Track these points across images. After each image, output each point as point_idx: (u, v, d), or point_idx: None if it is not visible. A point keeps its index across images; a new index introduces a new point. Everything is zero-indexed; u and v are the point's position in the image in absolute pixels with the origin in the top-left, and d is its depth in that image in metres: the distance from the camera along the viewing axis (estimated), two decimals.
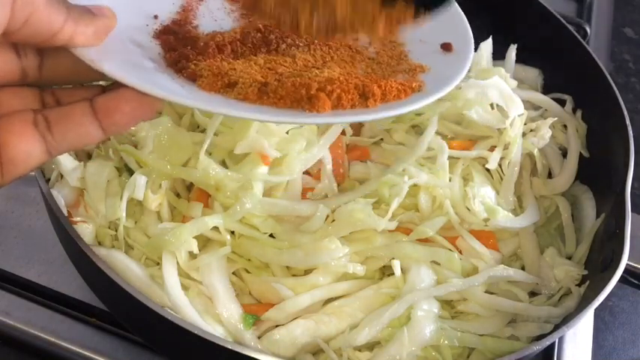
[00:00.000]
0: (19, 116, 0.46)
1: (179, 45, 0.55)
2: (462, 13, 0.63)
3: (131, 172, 0.76)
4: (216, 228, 0.73)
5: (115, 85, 0.47)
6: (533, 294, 0.80)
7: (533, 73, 1.01)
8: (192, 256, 0.73)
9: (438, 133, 0.84)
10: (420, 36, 0.61)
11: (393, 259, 0.75)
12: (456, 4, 0.63)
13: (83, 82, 0.51)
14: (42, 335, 0.80)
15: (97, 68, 0.47)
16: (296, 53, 0.56)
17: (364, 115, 0.52)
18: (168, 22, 0.58)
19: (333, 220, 0.75)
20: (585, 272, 0.79)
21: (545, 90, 1.00)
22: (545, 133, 0.89)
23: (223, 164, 0.77)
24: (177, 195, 0.79)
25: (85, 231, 0.73)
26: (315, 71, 0.53)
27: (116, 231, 0.75)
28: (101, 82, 0.51)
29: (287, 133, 0.78)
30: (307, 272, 0.74)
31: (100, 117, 0.46)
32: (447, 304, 0.76)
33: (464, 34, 0.62)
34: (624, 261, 0.72)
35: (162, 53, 0.54)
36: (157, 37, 0.56)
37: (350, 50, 0.59)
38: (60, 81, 0.50)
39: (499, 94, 0.86)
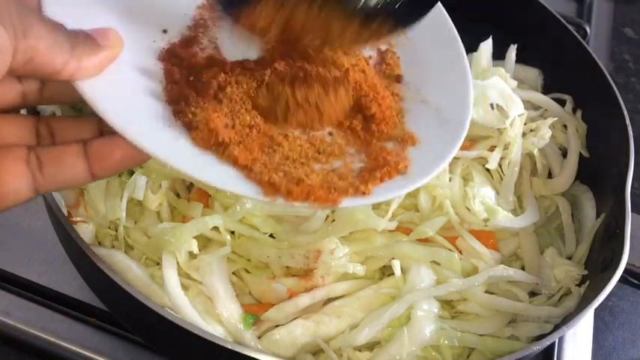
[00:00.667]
0: (13, 153, 0.46)
1: (182, 78, 0.54)
2: (471, 77, 0.62)
3: (131, 172, 0.76)
4: (216, 228, 0.73)
5: (110, 128, 0.47)
6: (533, 294, 0.80)
7: (533, 73, 1.01)
8: (192, 256, 0.73)
9: None
10: (422, 94, 0.61)
11: (393, 259, 0.75)
12: (468, 70, 0.62)
13: (81, 101, 0.51)
14: (42, 335, 0.80)
15: (95, 110, 0.46)
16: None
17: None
18: (177, 38, 0.57)
19: (333, 220, 0.75)
20: (585, 272, 0.79)
21: (545, 90, 1.00)
22: (545, 133, 0.89)
23: None
24: (177, 195, 0.79)
25: (85, 231, 0.74)
26: (306, 160, 0.53)
27: (116, 231, 0.75)
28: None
29: None
30: (307, 272, 0.74)
31: (91, 162, 0.47)
32: (447, 304, 0.76)
33: (464, 102, 0.60)
34: (624, 261, 0.72)
35: (164, 83, 0.53)
36: (162, 60, 0.55)
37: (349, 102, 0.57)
38: (59, 101, 0.51)
39: (499, 94, 0.86)
